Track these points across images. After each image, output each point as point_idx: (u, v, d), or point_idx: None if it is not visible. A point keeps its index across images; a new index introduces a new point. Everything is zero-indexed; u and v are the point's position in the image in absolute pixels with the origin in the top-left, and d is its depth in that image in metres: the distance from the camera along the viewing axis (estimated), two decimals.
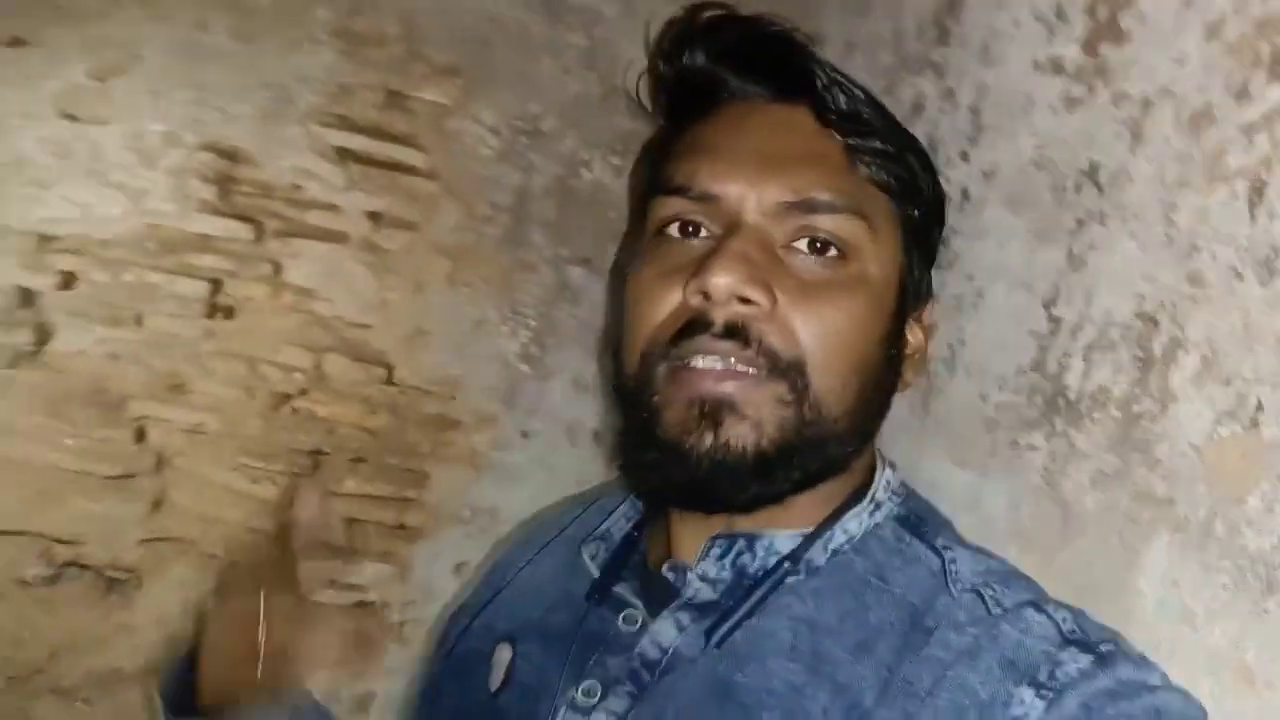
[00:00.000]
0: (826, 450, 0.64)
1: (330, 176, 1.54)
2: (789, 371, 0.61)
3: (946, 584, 0.63)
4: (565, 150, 1.61)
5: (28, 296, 1.46)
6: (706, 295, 0.60)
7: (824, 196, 0.62)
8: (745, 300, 0.60)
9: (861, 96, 0.67)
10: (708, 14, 0.68)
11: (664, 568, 0.69)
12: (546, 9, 1.61)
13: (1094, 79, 0.96)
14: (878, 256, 0.65)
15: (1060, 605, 0.63)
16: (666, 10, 1.65)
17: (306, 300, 1.56)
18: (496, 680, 0.74)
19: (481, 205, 1.59)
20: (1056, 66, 1.00)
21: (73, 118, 1.45)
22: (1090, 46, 0.97)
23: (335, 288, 1.55)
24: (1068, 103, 0.98)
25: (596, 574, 0.73)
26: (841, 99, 0.64)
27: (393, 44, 1.56)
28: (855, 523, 0.68)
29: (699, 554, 0.67)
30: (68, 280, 1.47)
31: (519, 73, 1.60)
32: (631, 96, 0.81)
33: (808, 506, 0.67)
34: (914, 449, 1.08)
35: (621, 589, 0.70)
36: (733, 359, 0.61)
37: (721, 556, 0.66)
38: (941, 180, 1.13)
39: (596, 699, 0.67)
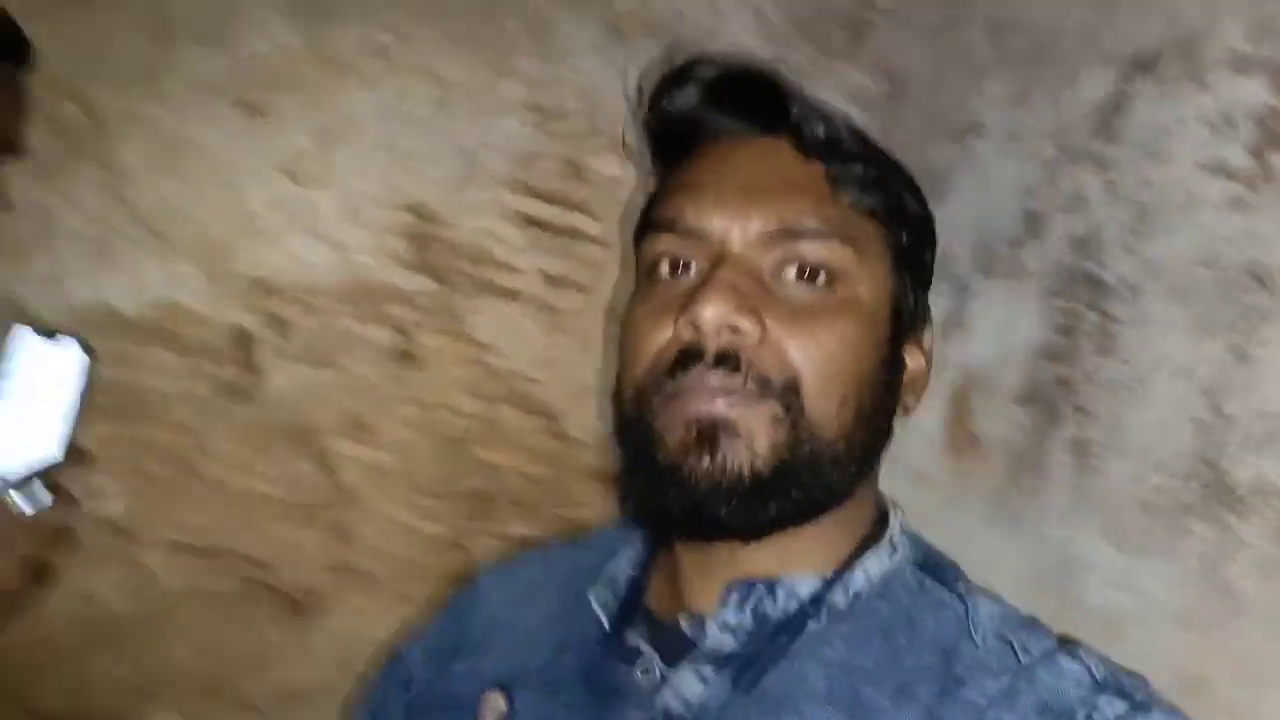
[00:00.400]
0: (824, 473, 0.63)
1: (512, 239, 1.67)
2: (783, 393, 0.62)
3: (970, 630, 0.63)
4: None
5: (244, 336, 1.63)
6: (697, 327, 0.61)
7: (807, 223, 0.64)
8: (735, 329, 0.61)
9: (842, 126, 0.68)
10: (685, 57, 0.70)
11: (680, 619, 0.67)
12: None
13: (1261, 183, 1.00)
14: (867, 280, 0.65)
15: (1090, 651, 0.62)
16: (826, 99, 1.74)
17: (483, 353, 1.69)
18: None
19: None
20: (1223, 169, 1.05)
21: (294, 179, 1.62)
22: (1257, 152, 1.01)
23: (510, 342, 1.68)
24: (1233, 203, 1.03)
25: (608, 622, 0.71)
26: (820, 128, 0.66)
27: (574, 117, 1.69)
28: (875, 565, 0.67)
29: (717, 602, 0.65)
30: (278, 324, 1.64)
31: None
32: (619, 148, 0.82)
33: (823, 548, 0.67)
34: (1068, 526, 1.12)
35: (634, 637, 0.68)
36: (727, 381, 0.61)
37: (741, 603, 0.65)
38: (1102, 270, 1.18)
39: None
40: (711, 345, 0.61)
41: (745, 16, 1.70)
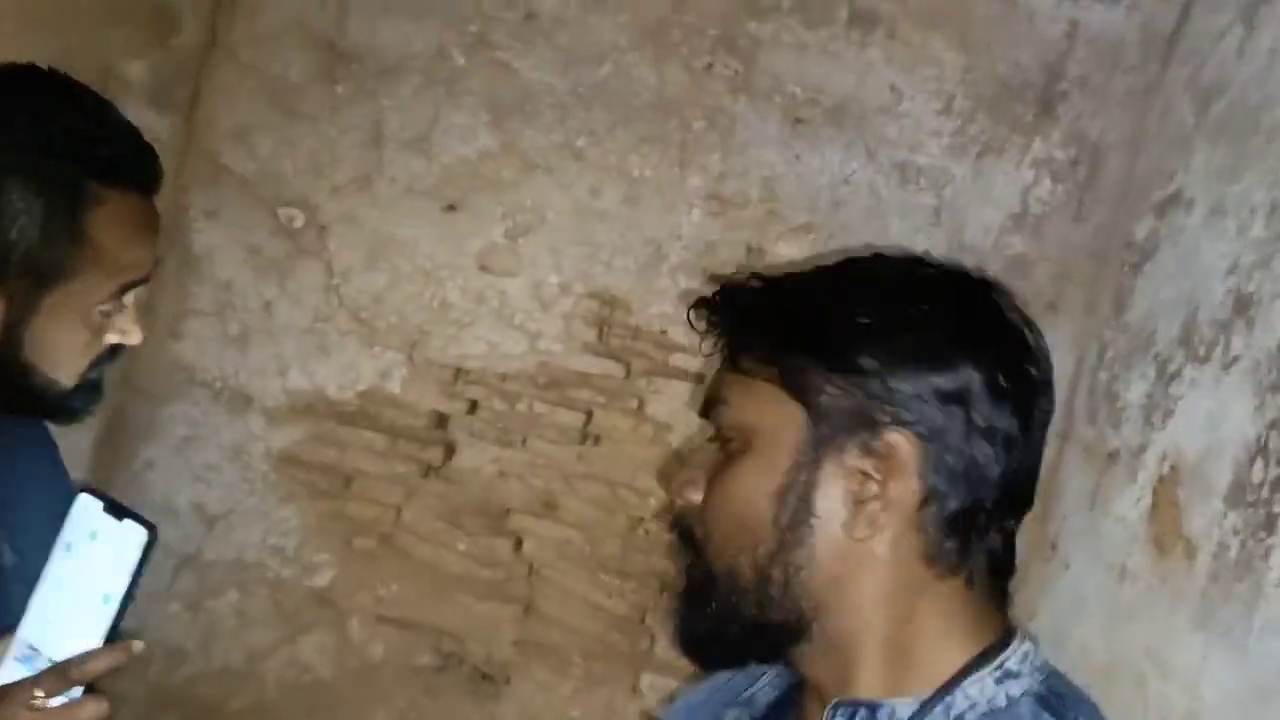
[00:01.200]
0: (738, 607, 0.69)
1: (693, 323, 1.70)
2: (695, 547, 0.71)
3: None
4: None
5: (441, 419, 1.73)
6: None
7: (710, 398, 0.72)
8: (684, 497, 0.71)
9: (743, 304, 0.72)
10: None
11: None
12: (899, 171, 1.71)
13: None
14: (752, 425, 0.70)
15: None
16: (1009, 173, 1.70)
17: (664, 433, 1.72)
18: None
19: None
20: None
21: (488, 270, 1.72)
22: None
23: (691, 423, 1.70)
24: None
25: None
26: (728, 330, 0.73)
27: (754, 205, 1.71)
28: (977, 688, 0.67)
29: None
30: (472, 407, 1.73)
31: (869, 230, 1.70)
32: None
33: (922, 673, 0.69)
34: None
35: None
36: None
37: None
38: None
39: None
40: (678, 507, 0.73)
41: (925, 96, 1.69)
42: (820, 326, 0.72)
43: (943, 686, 0.68)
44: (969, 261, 1.64)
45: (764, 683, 0.78)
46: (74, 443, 1.65)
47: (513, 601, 1.73)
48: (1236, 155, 1.37)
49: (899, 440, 0.68)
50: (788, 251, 1.71)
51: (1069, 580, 1.55)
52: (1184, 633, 1.20)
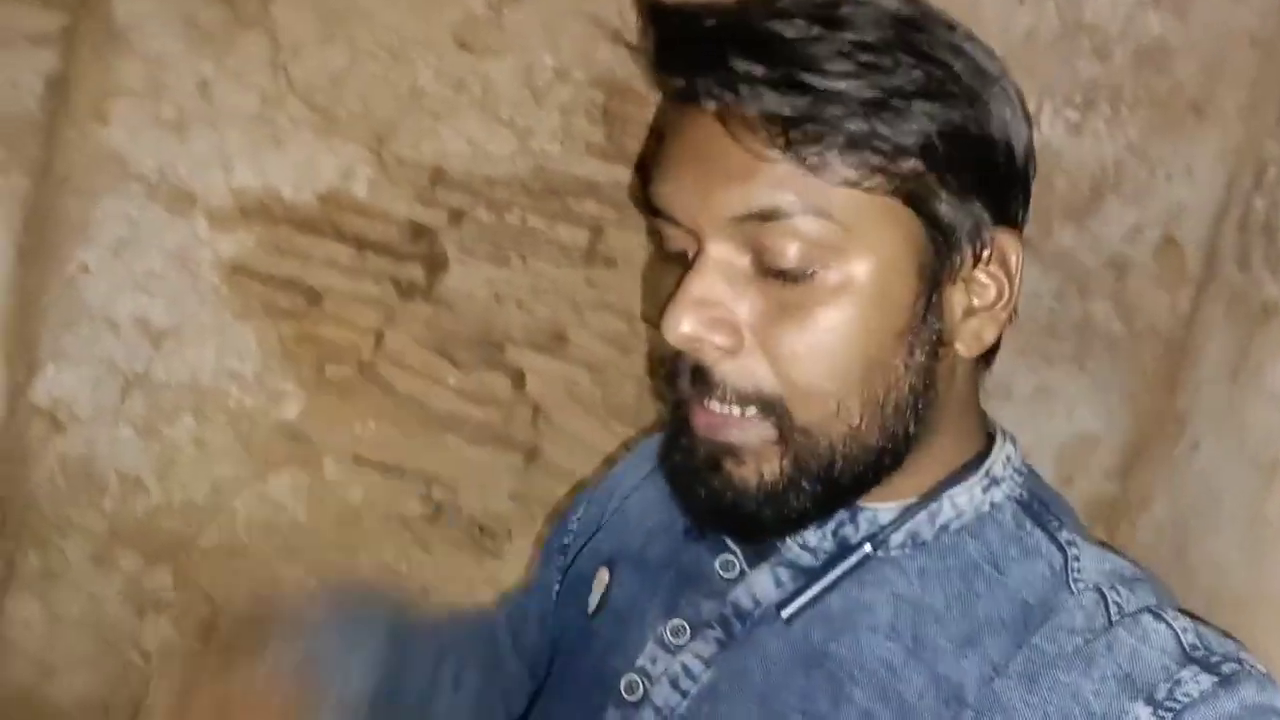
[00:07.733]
0: (843, 470, 0.62)
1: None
2: (767, 410, 0.61)
3: (1068, 581, 0.62)
4: None
5: (420, 230, 1.44)
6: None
7: (775, 202, 0.58)
8: (704, 346, 0.61)
9: (812, 83, 0.57)
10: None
11: None
12: None
13: None
14: (861, 249, 0.59)
15: (1181, 613, 0.60)
16: None
17: None
18: (594, 603, 0.77)
19: None
20: None
21: (467, 48, 1.37)
22: None
23: None
24: None
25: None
26: (781, 90, 0.56)
27: None
28: (965, 497, 0.65)
29: None
30: (456, 217, 1.43)
31: (955, 6, 1.29)
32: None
33: (912, 478, 0.65)
34: None
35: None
36: (711, 403, 0.62)
37: (822, 524, 0.66)
38: None
39: (685, 640, 0.69)
40: (687, 362, 0.62)
41: None
42: (918, 113, 0.59)
43: (928, 492, 0.65)
44: (1086, 48, 1.25)
45: None
46: None
47: (513, 448, 1.50)
48: None
49: (1008, 241, 0.64)
50: None
51: (1199, 468, 1.23)
52: None
